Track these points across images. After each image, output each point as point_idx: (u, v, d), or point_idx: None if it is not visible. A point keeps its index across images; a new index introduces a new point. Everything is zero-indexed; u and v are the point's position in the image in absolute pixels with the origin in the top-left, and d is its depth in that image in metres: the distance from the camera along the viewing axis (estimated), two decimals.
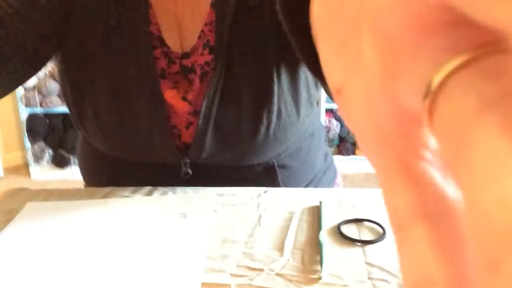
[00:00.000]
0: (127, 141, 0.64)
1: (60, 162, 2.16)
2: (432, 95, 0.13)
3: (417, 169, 0.15)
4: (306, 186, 0.74)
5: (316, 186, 0.76)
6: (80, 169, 0.77)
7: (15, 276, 0.46)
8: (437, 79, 0.13)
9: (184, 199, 0.60)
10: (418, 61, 0.14)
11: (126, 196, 0.62)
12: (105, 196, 0.61)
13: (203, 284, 0.44)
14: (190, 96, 0.63)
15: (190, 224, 0.55)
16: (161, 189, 0.63)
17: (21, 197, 0.60)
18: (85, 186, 0.77)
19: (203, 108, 0.61)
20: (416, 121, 0.15)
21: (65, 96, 0.67)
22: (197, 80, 0.62)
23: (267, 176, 0.70)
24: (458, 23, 0.13)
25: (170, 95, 0.62)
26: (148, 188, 0.63)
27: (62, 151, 2.17)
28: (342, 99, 0.18)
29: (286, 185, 0.70)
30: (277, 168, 0.70)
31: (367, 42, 0.15)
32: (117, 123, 0.63)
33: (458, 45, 0.13)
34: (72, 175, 2.09)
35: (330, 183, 0.81)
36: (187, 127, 0.64)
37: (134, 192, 0.63)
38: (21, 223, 0.55)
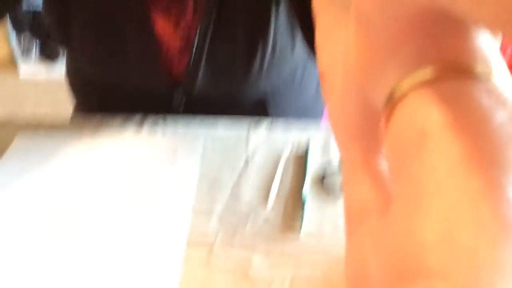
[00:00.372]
0: (116, 67, 0.63)
1: (49, 54, 2.10)
2: (392, 103, 0.13)
3: (377, 167, 0.16)
4: (297, 114, 0.75)
5: (307, 115, 0.76)
6: (69, 91, 0.76)
7: (11, 215, 0.48)
8: (400, 90, 0.13)
9: (174, 136, 0.60)
10: (389, 65, 0.14)
11: (116, 127, 0.62)
12: (94, 129, 0.61)
13: (188, 240, 0.47)
14: (182, 24, 0.60)
15: (179, 166, 0.56)
16: (151, 120, 0.63)
17: (9, 131, 0.60)
18: (74, 108, 0.76)
19: (196, 40, 0.59)
20: (380, 120, 0.15)
21: (47, 11, 0.63)
22: (190, 4, 0.58)
23: (258, 105, 0.70)
24: (433, 33, 0.13)
25: (161, 26, 0.60)
26: (138, 118, 0.63)
27: (50, 42, 2.10)
28: (324, 83, 0.19)
29: (277, 113, 0.71)
30: (268, 97, 0.70)
31: (352, 28, 0.15)
32: (105, 48, 0.61)
33: (427, 57, 0.13)
34: (62, 70, 2.04)
35: (321, 111, 0.82)
36: (179, 59, 0.62)
37: (124, 122, 0.63)
38: (9, 164, 0.55)
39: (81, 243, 0.45)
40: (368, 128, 0.16)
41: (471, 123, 0.12)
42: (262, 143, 0.60)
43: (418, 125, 0.12)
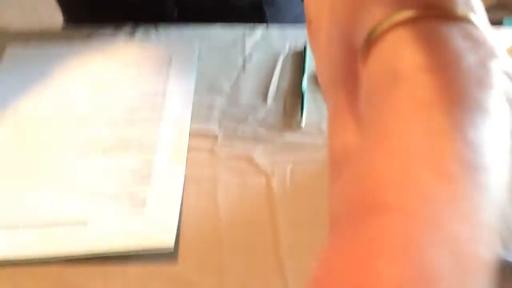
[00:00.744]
0: None
1: None
2: (369, 44, 0.14)
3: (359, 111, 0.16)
4: (294, 21, 0.73)
5: (303, 21, 0.74)
6: (57, 2, 0.73)
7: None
8: (378, 30, 0.13)
9: (168, 42, 0.59)
10: (372, 8, 0.14)
11: (108, 36, 0.60)
12: (86, 38, 0.60)
13: (191, 134, 0.47)
14: None
15: (176, 71, 0.55)
16: (143, 28, 0.61)
17: None
18: (64, 23, 0.74)
19: None
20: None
21: None
22: None
23: (254, 13, 0.68)
24: None
25: None
26: (130, 26, 0.61)
27: None
28: (310, 31, 0.19)
29: (274, 21, 0.69)
30: (264, 4, 0.68)
31: None
32: None
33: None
34: None
35: None
36: None
37: (115, 31, 0.61)
38: (4, 74, 0.55)
39: (79, 151, 0.46)
40: (352, 74, 0.15)
41: (442, 65, 0.12)
42: (259, 45, 0.58)
43: (391, 65, 0.12)
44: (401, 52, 0.12)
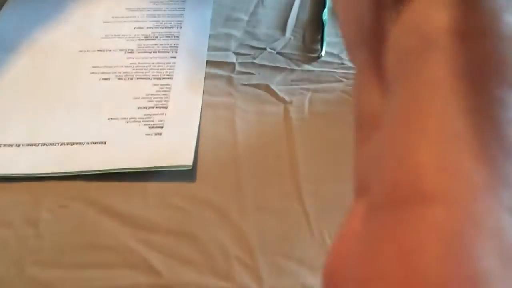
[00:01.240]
0: None
1: None
2: (406, 2, 0.12)
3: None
4: None
5: None
6: None
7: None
8: None
9: None
10: None
11: None
12: None
13: (208, 62, 0.46)
14: None
15: (192, 2, 0.54)
16: None
17: None
18: None
19: None
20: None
21: None
22: None
23: None
24: None
25: None
26: None
27: None
28: None
29: None
30: None
31: None
32: None
33: None
34: None
35: None
36: None
37: None
38: (17, 3, 0.54)
39: (95, 76, 0.45)
40: (379, 31, 0.14)
41: (479, 26, 0.10)
42: None
43: (423, 28, 0.11)
44: (434, 13, 0.11)
